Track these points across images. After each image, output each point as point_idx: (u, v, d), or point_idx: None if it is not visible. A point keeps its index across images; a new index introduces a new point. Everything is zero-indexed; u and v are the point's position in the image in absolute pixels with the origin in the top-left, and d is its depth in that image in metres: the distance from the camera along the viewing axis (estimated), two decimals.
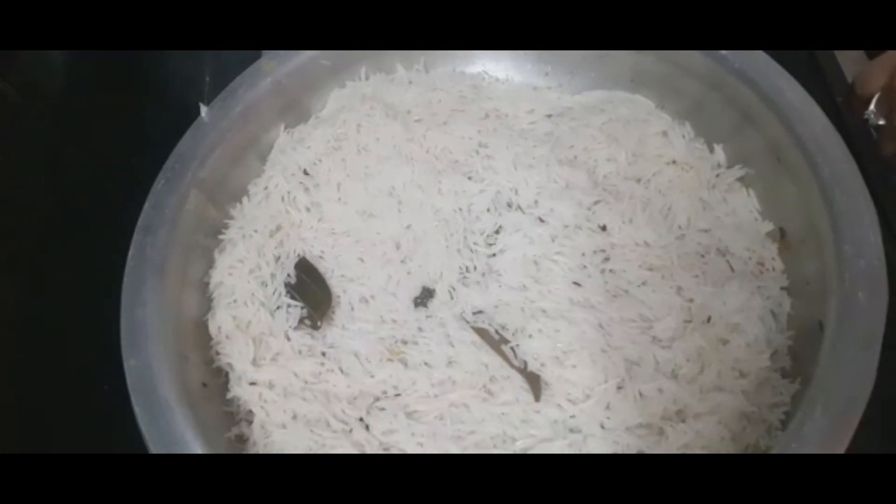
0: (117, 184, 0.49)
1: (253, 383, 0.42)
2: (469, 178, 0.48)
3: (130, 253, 0.42)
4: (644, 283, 0.43)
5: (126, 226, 0.44)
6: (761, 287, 0.42)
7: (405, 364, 0.42)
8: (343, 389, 0.42)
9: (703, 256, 0.44)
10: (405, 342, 0.43)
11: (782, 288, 0.42)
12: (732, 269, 0.43)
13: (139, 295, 0.41)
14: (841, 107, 0.49)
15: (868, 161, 0.44)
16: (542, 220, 0.45)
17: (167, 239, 0.43)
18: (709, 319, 0.41)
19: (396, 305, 0.44)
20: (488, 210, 0.47)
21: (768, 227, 0.45)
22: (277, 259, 0.47)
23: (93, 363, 0.42)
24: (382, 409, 0.41)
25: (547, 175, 0.47)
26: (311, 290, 0.45)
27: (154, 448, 0.36)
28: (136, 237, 0.43)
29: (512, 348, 0.41)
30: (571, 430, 0.39)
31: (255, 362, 0.43)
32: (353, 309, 0.44)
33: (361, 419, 0.41)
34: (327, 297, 0.45)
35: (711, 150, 0.49)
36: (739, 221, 0.45)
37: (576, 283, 0.43)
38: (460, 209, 0.47)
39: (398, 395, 0.41)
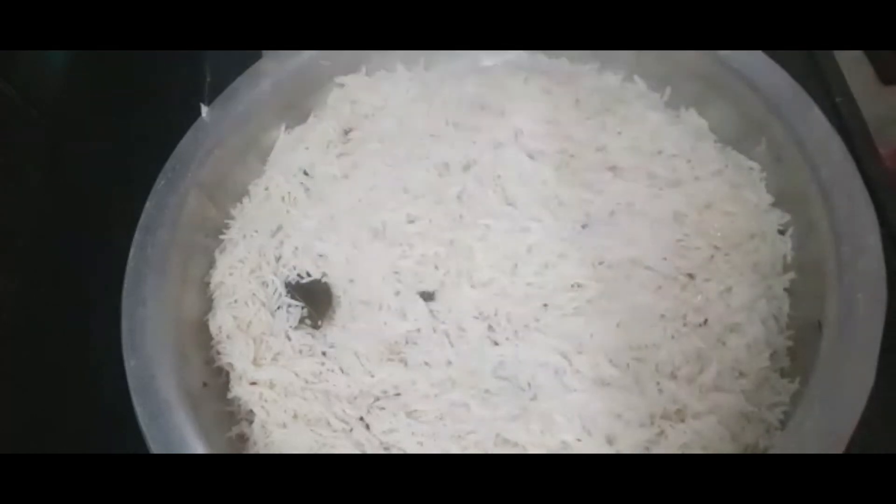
0: (117, 184, 0.49)
1: (253, 383, 0.42)
2: (471, 178, 0.48)
3: (131, 253, 0.42)
4: (647, 283, 0.43)
5: (126, 226, 0.44)
6: (765, 288, 0.42)
7: (405, 364, 0.42)
8: (343, 389, 0.42)
9: (710, 257, 0.44)
10: (405, 342, 0.43)
11: (784, 289, 0.42)
12: (737, 269, 0.43)
13: (140, 295, 0.41)
14: (840, 106, 0.49)
15: (867, 161, 0.44)
16: (543, 221, 0.45)
17: (167, 239, 0.43)
18: (706, 321, 0.41)
19: (397, 305, 0.44)
20: (492, 210, 0.47)
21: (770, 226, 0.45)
22: (278, 259, 0.47)
23: (93, 363, 0.42)
24: (382, 408, 0.41)
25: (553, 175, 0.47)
26: (311, 290, 0.45)
27: (155, 448, 0.36)
28: (136, 237, 0.43)
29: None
30: None
31: (255, 362, 0.43)
32: (353, 308, 0.44)
33: (362, 419, 0.41)
34: (327, 296, 0.45)
35: None
36: (743, 220, 0.45)
37: (577, 284, 0.43)
38: (463, 210, 0.47)
39: (398, 394, 0.41)
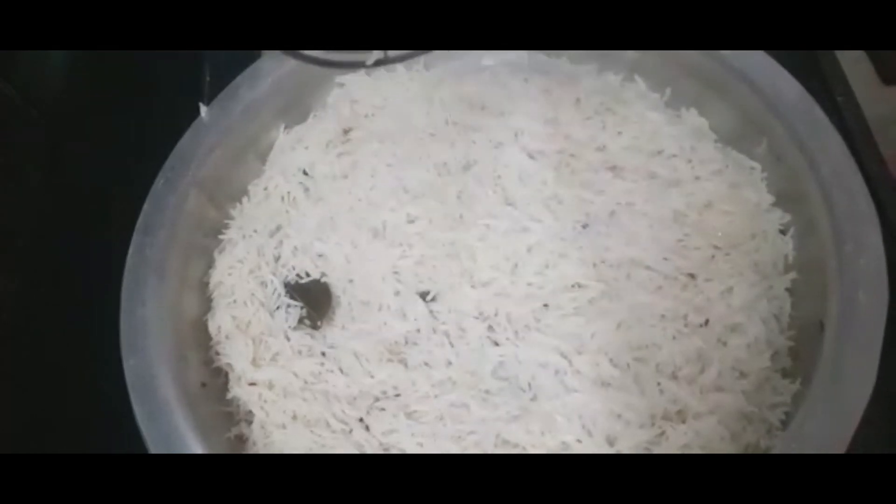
0: (117, 184, 0.49)
1: (252, 383, 0.42)
2: (471, 178, 0.48)
3: (130, 253, 0.42)
4: (647, 284, 0.42)
5: (126, 226, 0.44)
6: (766, 288, 0.42)
7: (405, 364, 0.42)
8: (343, 389, 0.42)
9: (710, 257, 0.43)
10: (405, 342, 0.43)
11: (785, 289, 0.42)
12: (737, 269, 0.43)
13: (139, 295, 0.41)
14: (841, 106, 0.49)
15: (868, 161, 0.44)
16: (543, 221, 0.45)
17: (167, 239, 0.43)
18: (707, 321, 0.41)
19: (397, 306, 0.44)
20: (492, 210, 0.46)
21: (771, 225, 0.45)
22: (277, 259, 0.47)
23: (93, 363, 0.42)
24: (382, 409, 0.41)
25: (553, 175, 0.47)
26: (310, 290, 0.45)
27: (154, 448, 0.36)
28: (135, 237, 0.43)
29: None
30: None
31: (254, 362, 0.43)
32: (352, 309, 0.44)
33: (361, 420, 0.41)
34: (327, 296, 0.45)
35: None
36: (744, 219, 0.45)
37: (578, 284, 0.43)
38: (463, 209, 0.47)
39: (398, 395, 0.41)
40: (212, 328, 0.45)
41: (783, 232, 0.44)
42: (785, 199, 0.44)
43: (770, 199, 0.45)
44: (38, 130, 0.45)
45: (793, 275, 0.42)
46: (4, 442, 0.38)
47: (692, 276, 0.43)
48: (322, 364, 0.43)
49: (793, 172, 0.43)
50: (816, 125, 0.42)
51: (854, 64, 0.52)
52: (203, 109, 0.48)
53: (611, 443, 0.38)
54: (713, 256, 0.43)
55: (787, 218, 0.44)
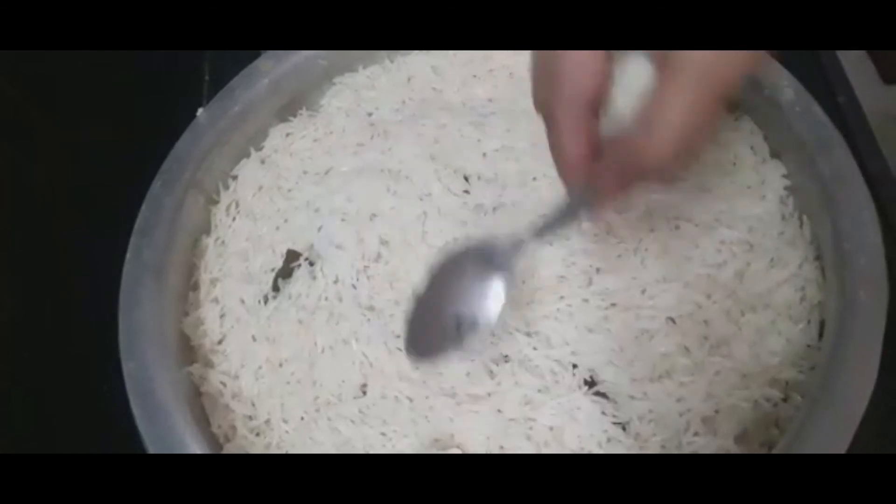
0: (117, 184, 0.49)
1: (251, 383, 0.42)
2: (466, 177, 0.47)
3: (127, 255, 0.42)
4: (649, 287, 0.42)
5: (126, 226, 0.44)
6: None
7: (402, 362, 0.42)
8: (343, 387, 0.41)
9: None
10: (397, 336, 0.42)
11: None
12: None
13: (136, 297, 0.41)
14: (842, 106, 0.49)
15: (870, 160, 0.44)
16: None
17: (164, 240, 0.43)
18: (706, 321, 0.41)
19: (396, 302, 0.43)
20: (494, 209, 0.46)
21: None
22: (276, 258, 0.46)
23: (92, 364, 0.42)
24: (383, 400, 0.40)
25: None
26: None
27: (153, 450, 0.36)
28: (133, 239, 0.43)
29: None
30: None
31: (252, 362, 0.43)
32: (353, 309, 0.44)
33: (361, 412, 0.40)
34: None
35: None
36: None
37: (582, 287, 0.42)
38: (465, 203, 0.46)
39: (398, 394, 0.41)
40: (210, 329, 0.44)
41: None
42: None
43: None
44: (38, 130, 0.45)
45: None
46: (4, 442, 0.38)
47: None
48: (321, 363, 0.42)
49: (793, 172, 0.43)
50: (817, 125, 0.42)
51: (855, 64, 0.52)
52: (199, 110, 0.48)
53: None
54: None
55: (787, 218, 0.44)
